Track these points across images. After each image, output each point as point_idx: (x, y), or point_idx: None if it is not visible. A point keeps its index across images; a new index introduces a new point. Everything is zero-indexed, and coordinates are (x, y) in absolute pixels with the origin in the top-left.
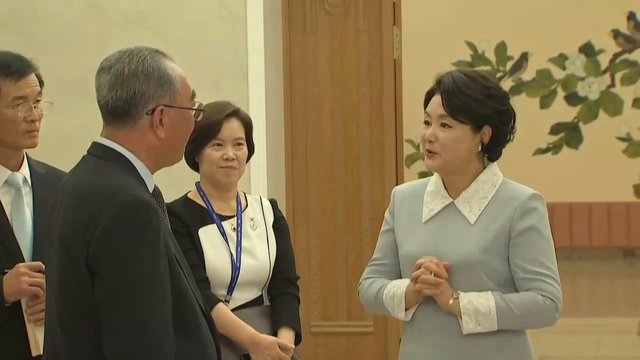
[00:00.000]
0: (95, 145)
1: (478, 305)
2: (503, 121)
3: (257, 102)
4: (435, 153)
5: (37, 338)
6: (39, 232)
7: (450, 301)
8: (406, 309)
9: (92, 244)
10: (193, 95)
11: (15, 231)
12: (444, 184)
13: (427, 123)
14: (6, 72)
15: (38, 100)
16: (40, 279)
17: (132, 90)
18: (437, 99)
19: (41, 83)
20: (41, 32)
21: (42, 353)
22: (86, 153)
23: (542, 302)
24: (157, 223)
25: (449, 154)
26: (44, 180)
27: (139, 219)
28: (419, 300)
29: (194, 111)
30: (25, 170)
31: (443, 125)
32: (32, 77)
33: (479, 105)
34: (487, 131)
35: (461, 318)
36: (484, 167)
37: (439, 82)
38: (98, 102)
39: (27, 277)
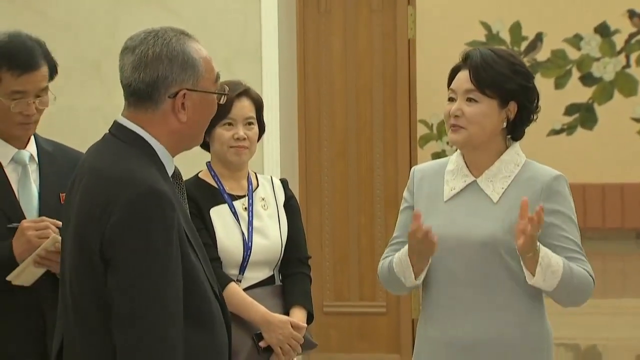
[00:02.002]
0: (117, 126)
1: (552, 261)
2: (528, 98)
3: (271, 81)
4: (461, 127)
5: (26, 270)
6: (44, 209)
7: (533, 248)
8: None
9: (106, 234)
10: (217, 78)
11: (23, 208)
12: (465, 163)
13: (451, 100)
14: (9, 64)
15: (42, 92)
16: (46, 229)
17: (155, 74)
18: (463, 75)
19: (53, 73)
20: (55, 11)
21: (15, 283)
22: (107, 132)
23: (590, 280)
24: (171, 213)
25: (475, 128)
26: (52, 158)
27: (153, 209)
28: (423, 262)
29: (217, 94)
30: (32, 148)
31: (469, 100)
32: (38, 73)
33: (506, 80)
34: (512, 107)
35: (534, 268)
36: (506, 147)
37: (466, 58)
38: (121, 81)
39: (33, 230)
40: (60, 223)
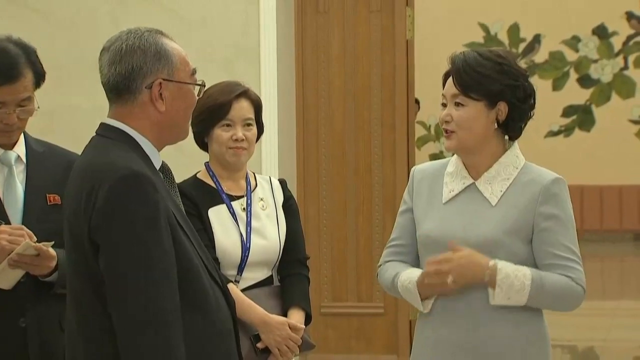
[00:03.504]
0: (102, 126)
1: (514, 280)
2: (518, 97)
3: (269, 82)
4: (452, 132)
5: (3, 273)
6: (29, 210)
7: (486, 278)
8: (423, 300)
9: (93, 218)
10: (193, 72)
11: (7, 208)
12: (464, 165)
13: (444, 105)
14: None
15: (25, 102)
16: (20, 237)
17: (130, 65)
18: (450, 80)
19: (40, 81)
20: (55, 11)
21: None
22: (95, 134)
23: (574, 288)
24: (154, 194)
25: (465, 133)
26: (41, 158)
27: (135, 190)
28: (433, 292)
29: (195, 87)
30: (19, 149)
31: (457, 104)
32: (19, 84)
33: (490, 81)
34: (502, 108)
35: (494, 290)
36: (505, 148)
37: (452, 62)
38: (101, 82)
39: (6, 235)
40: (35, 237)
